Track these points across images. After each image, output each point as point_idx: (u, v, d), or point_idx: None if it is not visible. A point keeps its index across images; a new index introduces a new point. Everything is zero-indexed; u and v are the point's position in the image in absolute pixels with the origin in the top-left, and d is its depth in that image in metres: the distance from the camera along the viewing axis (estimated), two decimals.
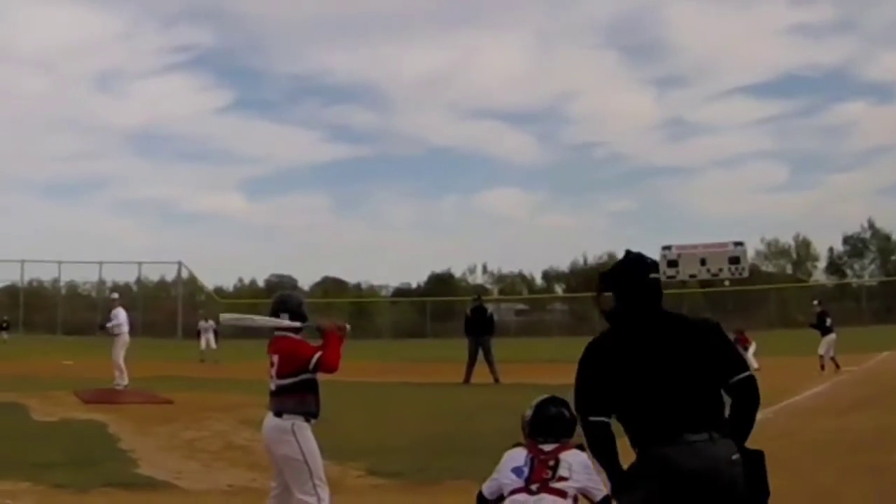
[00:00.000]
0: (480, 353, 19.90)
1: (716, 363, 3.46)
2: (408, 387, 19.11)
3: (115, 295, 19.92)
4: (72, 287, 60.37)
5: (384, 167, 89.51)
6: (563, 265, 71.72)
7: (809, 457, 8.60)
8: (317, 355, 5.36)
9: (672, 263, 50.05)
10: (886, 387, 15.51)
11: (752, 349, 21.19)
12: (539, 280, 72.85)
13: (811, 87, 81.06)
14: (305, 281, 66.39)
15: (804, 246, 66.91)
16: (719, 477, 3.26)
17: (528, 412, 4.44)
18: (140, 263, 55.54)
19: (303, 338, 5.60)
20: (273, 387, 5.50)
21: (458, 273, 71.61)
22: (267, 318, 5.70)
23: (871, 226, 65.28)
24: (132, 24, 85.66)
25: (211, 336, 30.72)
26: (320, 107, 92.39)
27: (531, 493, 4.05)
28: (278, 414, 5.43)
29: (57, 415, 13.17)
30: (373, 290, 69.70)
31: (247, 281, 72.40)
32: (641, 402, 3.43)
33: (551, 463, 4.14)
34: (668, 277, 47.66)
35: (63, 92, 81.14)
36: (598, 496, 4.09)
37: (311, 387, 5.46)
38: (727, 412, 3.46)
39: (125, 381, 16.87)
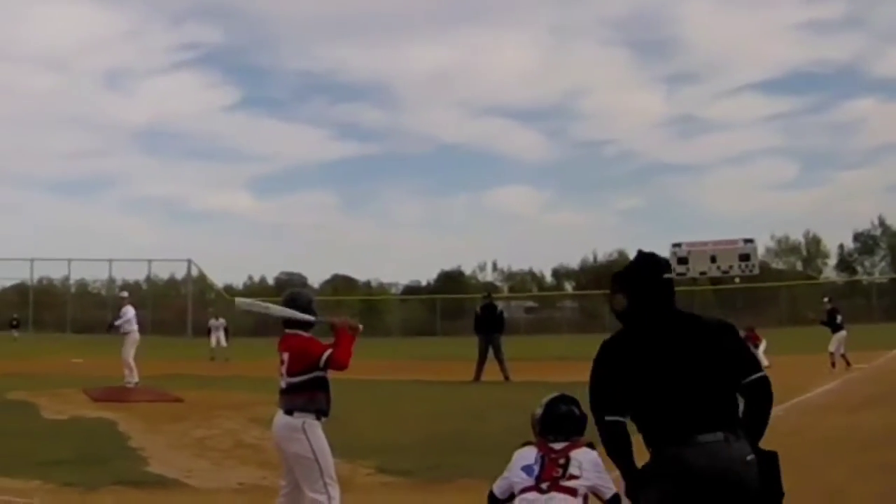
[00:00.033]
0: (490, 351, 19.87)
1: (729, 363, 3.45)
2: (418, 385, 19.10)
3: (125, 293, 19.96)
4: (81, 285, 60.69)
5: (393, 165, 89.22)
6: (574, 262, 71.51)
7: (820, 454, 8.55)
8: (327, 352, 5.36)
9: (682, 261, 49.78)
10: None
11: (762, 347, 21.09)
12: (549, 278, 72.62)
13: (821, 83, 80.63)
14: (315, 279, 66.27)
15: (814, 243, 66.71)
16: (734, 478, 3.25)
17: (539, 410, 4.43)
18: (150, 261, 55.60)
19: (313, 335, 5.60)
20: (283, 384, 5.49)
21: (468, 271, 71.48)
22: (281, 307, 5.68)
23: (882, 223, 64.98)
24: (140, 22, 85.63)
25: (221, 334, 30.80)
26: (328, 104, 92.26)
27: (542, 491, 4.04)
28: (289, 412, 5.43)
29: (66, 413, 13.23)
30: (382, 288, 69.56)
31: (256, 279, 72.37)
32: (655, 402, 3.43)
33: (562, 461, 4.13)
34: (679, 275, 47.32)
35: (71, 90, 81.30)
36: (608, 494, 4.09)
37: (322, 385, 5.46)
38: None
39: (135, 379, 16.91)
